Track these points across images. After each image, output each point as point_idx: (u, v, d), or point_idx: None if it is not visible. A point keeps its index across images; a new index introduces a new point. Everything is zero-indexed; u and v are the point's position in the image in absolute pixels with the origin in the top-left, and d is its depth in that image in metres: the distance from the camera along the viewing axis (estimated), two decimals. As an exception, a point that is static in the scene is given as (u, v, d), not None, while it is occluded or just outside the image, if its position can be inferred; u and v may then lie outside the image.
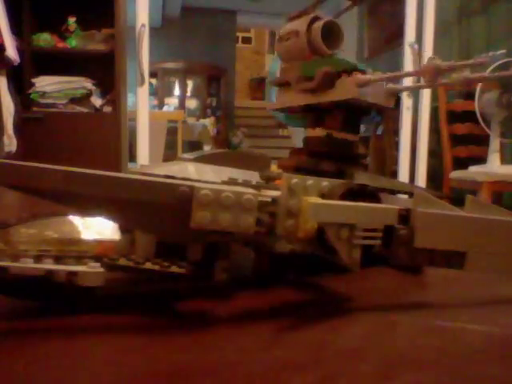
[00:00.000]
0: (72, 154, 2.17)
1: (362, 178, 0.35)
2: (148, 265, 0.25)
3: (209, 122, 4.22)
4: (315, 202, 0.24)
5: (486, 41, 2.68)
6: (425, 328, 0.26)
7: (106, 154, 2.25)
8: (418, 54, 2.22)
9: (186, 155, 0.38)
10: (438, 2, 2.26)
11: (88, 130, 2.26)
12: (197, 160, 0.36)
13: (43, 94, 2.27)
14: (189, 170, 0.35)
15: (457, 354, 0.22)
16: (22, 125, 2.08)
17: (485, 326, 0.26)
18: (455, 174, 2.48)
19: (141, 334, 0.24)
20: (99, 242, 0.28)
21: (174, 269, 0.25)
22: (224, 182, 0.29)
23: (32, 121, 2.20)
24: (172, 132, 3.27)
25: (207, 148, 3.86)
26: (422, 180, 2.32)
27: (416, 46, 2.22)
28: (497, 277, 0.34)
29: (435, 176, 2.66)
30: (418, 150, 2.32)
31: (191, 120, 4.56)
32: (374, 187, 0.35)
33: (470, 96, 2.49)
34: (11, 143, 1.92)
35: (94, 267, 0.24)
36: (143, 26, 2.06)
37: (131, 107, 2.62)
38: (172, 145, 3.27)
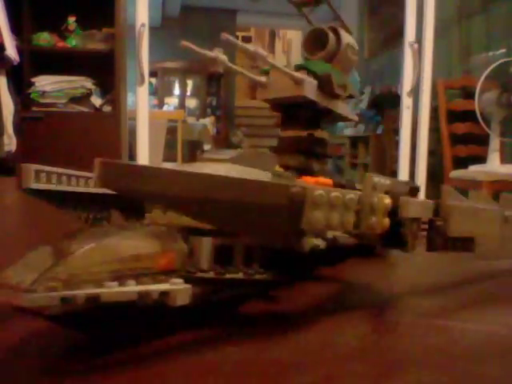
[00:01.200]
0: (72, 153, 2.17)
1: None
2: (231, 274, 0.25)
3: (209, 121, 4.23)
4: (407, 199, 0.26)
5: (486, 40, 2.68)
6: (425, 328, 0.26)
7: (105, 153, 2.24)
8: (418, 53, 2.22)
9: (209, 154, 0.37)
10: (438, 1, 2.25)
11: (88, 130, 2.26)
12: (233, 161, 0.35)
13: (43, 94, 2.27)
14: (233, 171, 0.33)
15: (457, 353, 0.22)
16: (22, 124, 2.08)
17: (485, 326, 0.26)
18: (455, 174, 2.48)
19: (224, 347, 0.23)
20: (161, 255, 0.24)
21: (258, 276, 0.26)
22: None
23: (32, 120, 2.20)
24: (172, 131, 3.27)
25: (207, 147, 3.86)
26: (421, 179, 2.32)
27: (416, 46, 2.22)
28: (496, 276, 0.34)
29: (435, 175, 2.66)
30: (417, 149, 2.32)
31: (191, 119, 4.56)
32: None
33: (470, 95, 2.49)
34: (11, 143, 1.92)
35: (179, 284, 0.22)
36: (143, 25, 2.06)
37: (131, 106, 2.62)
38: (172, 144, 3.27)
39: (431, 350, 0.22)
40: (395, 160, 2.60)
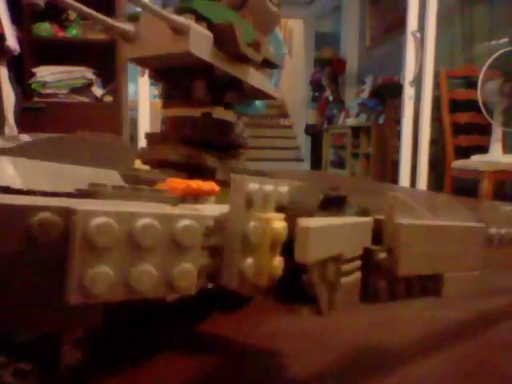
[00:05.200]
0: (73, 144, 2.16)
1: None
2: None
3: (210, 111, 4.20)
4: (308, 224, 0.15)
5: (489, 29, 2.66)
6: (427, 320, 0.26)
7: (107, 144, 2.25)
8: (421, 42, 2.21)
9: None
10: (441, -11, 2.24)
11: (89, 120, 2.26)
12: (16, 152, 0.21)
13: (44, 84, 2.26)
14: (5, 172, 0.18)
15: (463, 343, 0.22)
16: (23, 115, 2.08)
17: (486, 317, 0.26)
18: (457, 164, 2.47)
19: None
20: None
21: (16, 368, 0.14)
22: (84, 192, 0.16)
23: (33, 111, 2.20)
24: (173, 122, 3.27)
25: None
26: (423, 169, 2.32)
27: (418, 35, 2.20)
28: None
29: (437, 165, 2.66)
30: (419, 139, 2.31)
31: (192, 110, 4.54)
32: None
33: (472, 85, 2.48)
34: (12, 133, 1.92)
35: None
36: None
37: (132, 97, 2.61)
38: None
39: (435, 339, 0.23)
40: (397, 150, 2.60)
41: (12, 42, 1.91)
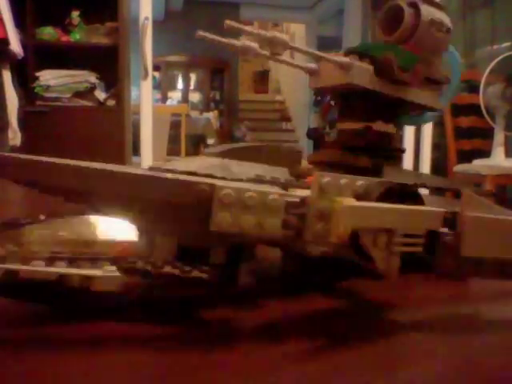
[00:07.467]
0: (76, 147, 2.17)
1: (396, 175, 0.32)
2: (167, 269, 0.23)
3: (212, 115, 4.22)
4: (349, 204, 0.21)
5: (491, 34, 2.66)
6: (422, 334, 0.26)
7: (109, 147, 2.25)
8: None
9: (211, 149, 0.35)
10: (443, -6, 2.24)
11: (92, 124, 2.26)
12: (222, 154, 0.33)
13: (47, 88, 2.27)
14: (213, 166, 0.31)
15: (471, 346, 0.22)
16: (27, 118, 2.08)
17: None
18: (459, 168, 2.47)
19: (154, 346, 0.22)
20: (116, 244, 0.26)
21: (196, 273, 0.23)
22: (249, 180, 0.27)
23: (36, 114, 2.21)
24: (175, 126, 3.27)
25: (211, 141, 3.85)
26: (425, 173, 2.32)
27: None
28: None
29: (439, 169, 2.66)
30: (421, 143, 2.31)
31: (194, 113, 4.56)
32: (415, 186, 0.31)
33: (474, 89, 2.48)
34: (15, 137, 1.93)
35: (110, 271, 0.23)
36: (146, 19, 2.06)
37: (135, 101, 2.62)
38: (175, 138, 3.27)
39: (442, 345, 0.23)
40: (399, 154, 2.59)
41: (15, 46, 1.92)
